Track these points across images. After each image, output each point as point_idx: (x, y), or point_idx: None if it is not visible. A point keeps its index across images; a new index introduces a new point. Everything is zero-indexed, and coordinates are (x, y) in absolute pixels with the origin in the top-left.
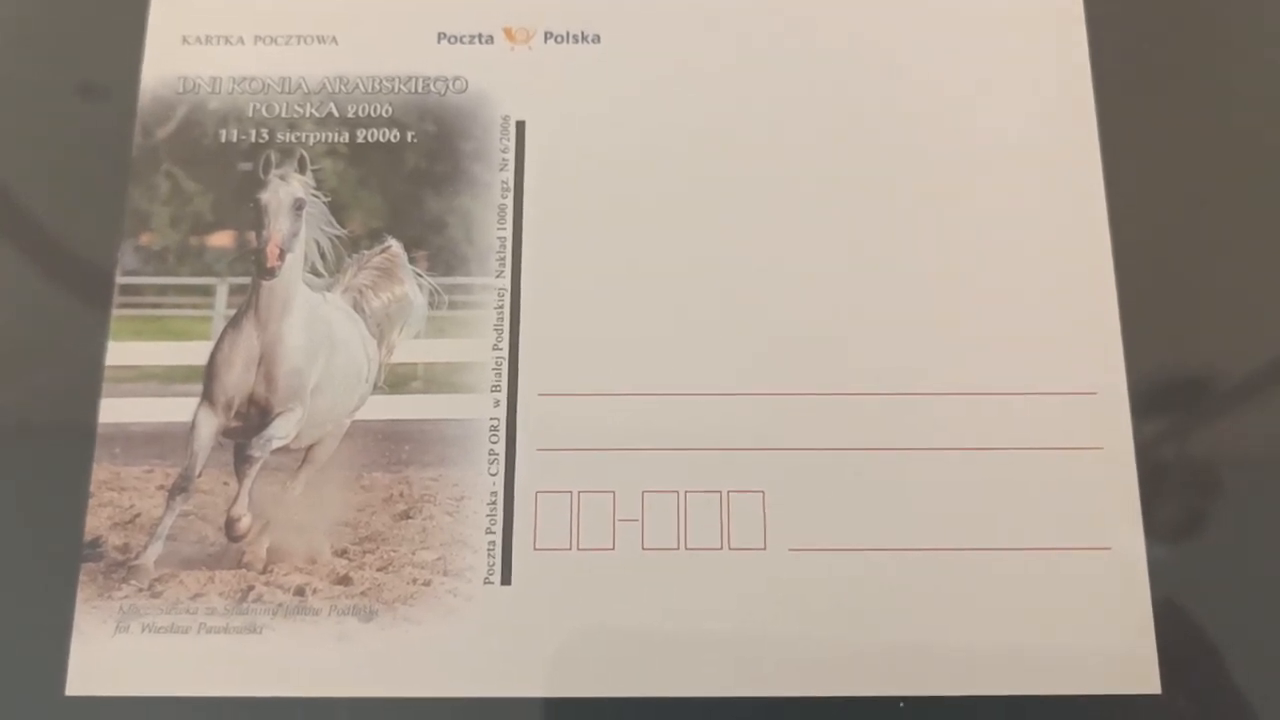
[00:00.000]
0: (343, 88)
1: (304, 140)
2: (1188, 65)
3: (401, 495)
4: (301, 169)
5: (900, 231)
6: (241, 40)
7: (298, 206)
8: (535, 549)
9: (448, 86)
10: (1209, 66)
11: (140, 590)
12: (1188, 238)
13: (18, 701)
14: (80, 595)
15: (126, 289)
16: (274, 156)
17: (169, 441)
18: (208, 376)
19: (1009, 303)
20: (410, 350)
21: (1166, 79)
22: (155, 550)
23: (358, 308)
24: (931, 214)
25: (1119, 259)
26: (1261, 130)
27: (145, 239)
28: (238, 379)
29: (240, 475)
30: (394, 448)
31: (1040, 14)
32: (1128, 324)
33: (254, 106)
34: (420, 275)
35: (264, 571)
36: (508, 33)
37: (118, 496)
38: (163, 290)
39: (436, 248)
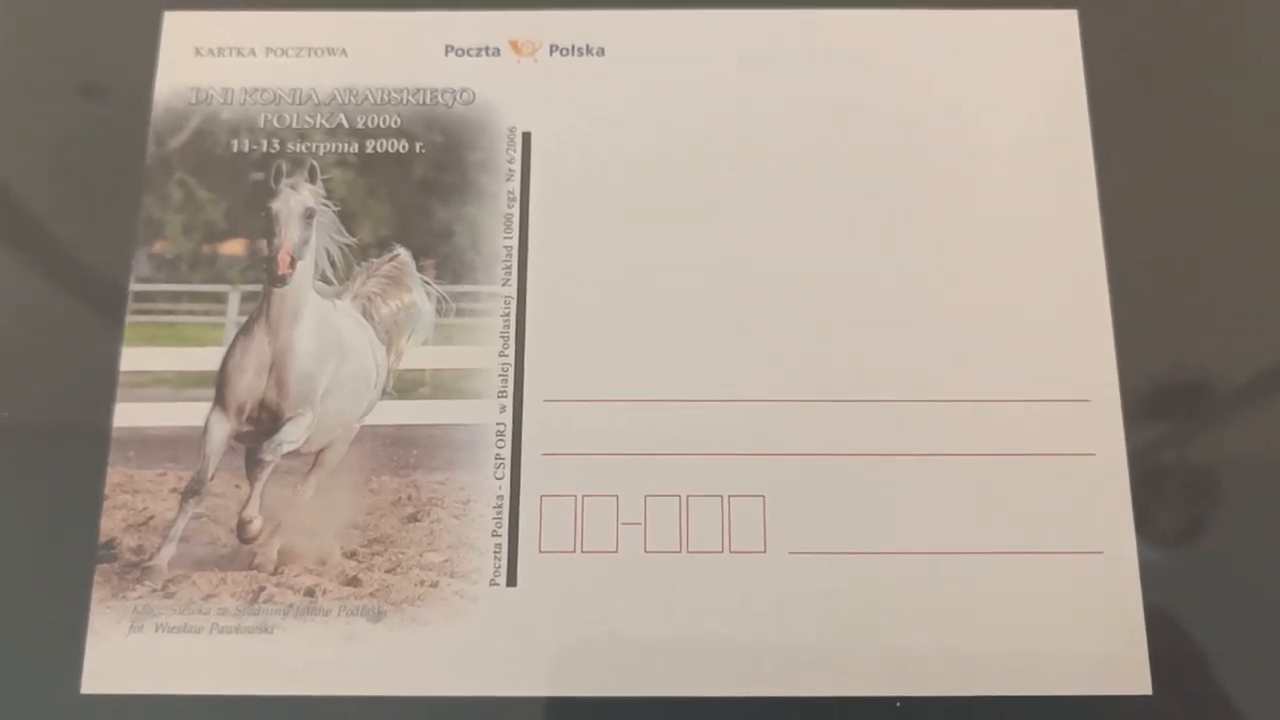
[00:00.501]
0: (352, 99)
1: (314, 150)
2: (1181, 74)
3: (409, 498)
4: (312, 178)
5: (898, 242)
6: (253, 52)
7: (308, 215)
8: (540, 551)
9: (455, 98)
10: (1202, 75)
11: (154, 591)
12: (1181, 247)
13: (35, 699)
14: (95, 595)
15: (140, 296)
16: (285, 166)
17: (182, 445)
18: (220, 382)
19: (1005, 312)
20: (418, 357)
21: (1160, 88)
22: (168, 552)
23: (367, 315)
24: (929, 224)
25: (1112, 269)
26: (1256, 138)
27: (159, 247)
28: (249, 384)
29: (252, 478)
30: (402, 452)
31: (1035, 25)
32: (1121, 333)
33: (265, 117)
34: (428, 283)
35: (275, 573)
36: (514, 46)
37: (132, 499)
38: (176, 297)
39: (444, 256)
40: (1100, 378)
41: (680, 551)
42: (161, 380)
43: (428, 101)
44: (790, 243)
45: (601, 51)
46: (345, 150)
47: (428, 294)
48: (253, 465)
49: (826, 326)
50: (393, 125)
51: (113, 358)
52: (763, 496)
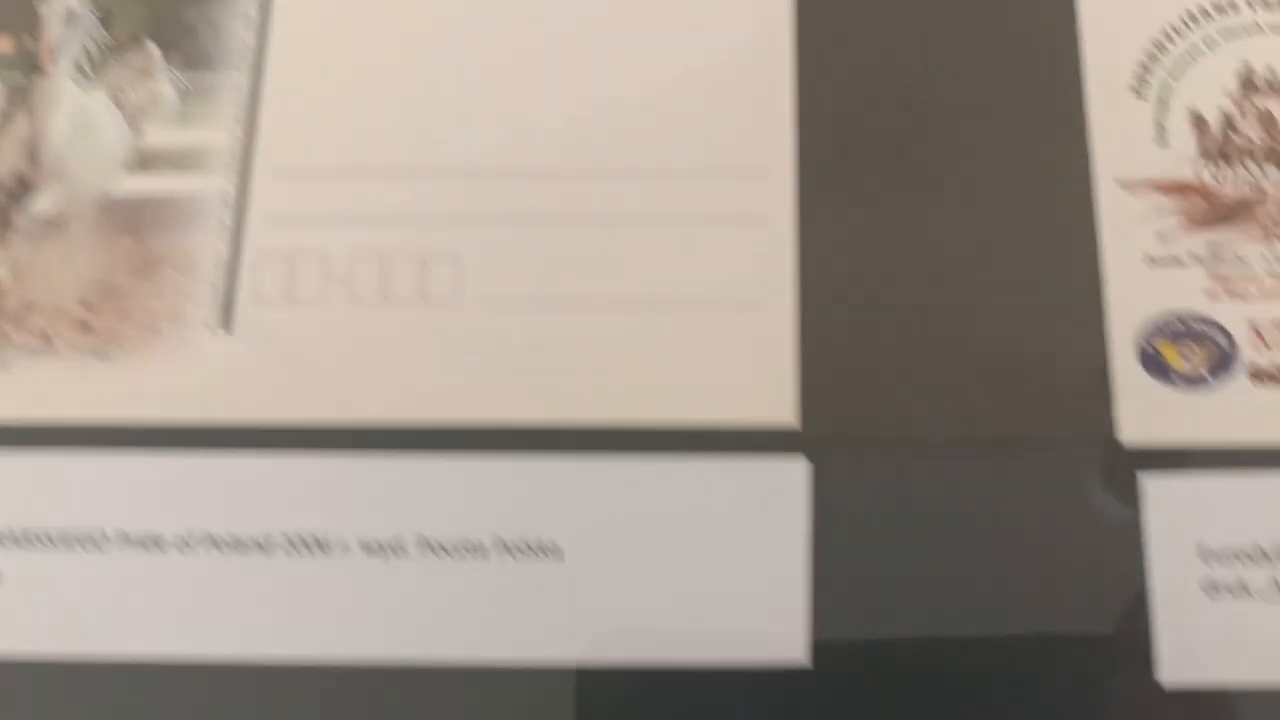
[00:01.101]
0: None
1: None
2: None
3: (141, 257)
4: None
5: (597, 29)
6: None
7: (71, 16)
8: (256, 305)
9: None
10: None
11: None
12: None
13: None
14: None
15: None
16: None
17: None
18: None
19: (689, 92)
20: (159, 136)
21: None
22: None
23: (117, 102)
24: (630, 17)
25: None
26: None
27: None
28: (9, 159)
29: (3, 240)
30: (138, 217)
31: None
32: (802, 111)
33: None
34: (173, 72)
35: (15, 319)
36: None
37: None
38: None
39: (188, 50)
40: (777, 151)
41: (383, 304)
42: None
43: None
44: (495, 34)
45: None
46: None
47: (171, 83)
48: (4, 228)
49: (524, 100)
50: None
51: None
52: (459, 254)
